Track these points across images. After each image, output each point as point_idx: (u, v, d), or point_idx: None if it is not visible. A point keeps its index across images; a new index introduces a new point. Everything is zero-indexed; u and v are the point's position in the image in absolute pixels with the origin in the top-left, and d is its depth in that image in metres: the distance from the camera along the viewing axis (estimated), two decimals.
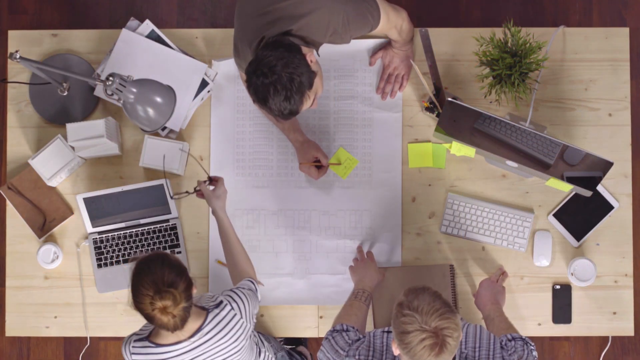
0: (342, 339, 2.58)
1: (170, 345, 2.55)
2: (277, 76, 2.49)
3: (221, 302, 2.60)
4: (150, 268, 2.44)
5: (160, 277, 2.42)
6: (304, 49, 2.58)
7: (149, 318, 2.44)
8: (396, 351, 2.33)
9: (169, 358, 2.56)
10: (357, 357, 2.51)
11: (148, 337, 2.58)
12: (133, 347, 2.58)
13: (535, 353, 2.56)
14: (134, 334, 2.62)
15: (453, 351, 2.28)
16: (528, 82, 2.91)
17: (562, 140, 2.83)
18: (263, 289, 3.04)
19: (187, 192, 2.91)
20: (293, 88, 2.50)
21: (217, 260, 3.03)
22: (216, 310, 2.58)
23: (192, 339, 2.55)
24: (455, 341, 2.27)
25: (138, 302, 2.43)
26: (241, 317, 2.61)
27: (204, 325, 2.56)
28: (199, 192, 2.85)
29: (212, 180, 2.85)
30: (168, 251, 2.88)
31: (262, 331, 3.03)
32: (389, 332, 2.55)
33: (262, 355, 2.82)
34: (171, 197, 2.99)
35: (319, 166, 3.00)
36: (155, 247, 3.04)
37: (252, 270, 2.77)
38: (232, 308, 2.60)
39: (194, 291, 2.50)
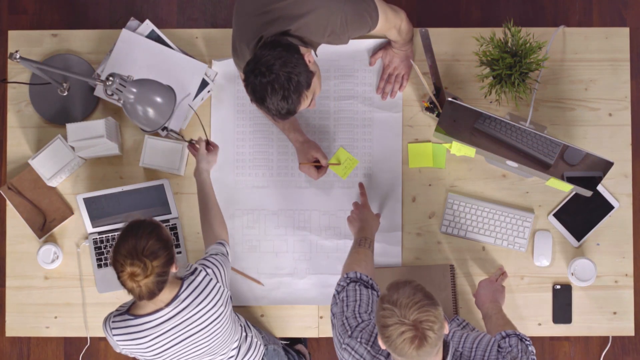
0: (352, 315, 2.56)
1: (149, 314, 2.58)
2: (274, 75, 2.48)
3: (195, 269, 2.64)
4: (137, 233, 2.47)
5: (142, 245, 2.45)
6: (302, 49, 2.58)
7: (121, 284, 2.48)
8: (382, 345, 2.33)
9: (149, 328, 2.59)
10: (359, 339, 2.51)
11: (127, 310, 2.62)
12: (113, 322, 2.61)
13: (531, 348, 2.55)
14: (115, 310, 2.65)
15: (435, 343, 2.27)
16: (528, 82, 2.91)
17: (562, 140, 2.83)
18: (263, 289, 3.04)
19: (182, 137, 2.93)
20: (291, 87, 2.50)
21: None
22: (191, 277, 2.63)
23: (170, 307, 2.58)
24: (436, 333, 2.26)
25: (114, 261, 2.47)
26: (217, 282, 2.65)
27: (180, 292, 2.59)
28: (192, 146, 2.91)
29: (209, 145, 2.91)
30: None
31: (262, 331, 3.03)
32: None
33: (249, 339, 2.84)
34: (165, 130, 2.95)
35: (319, 166, 3.00)
36: None
37: (225, 233, 2.81)
38: (207, 274, 2.64)
39: (174, 269, 2.53)
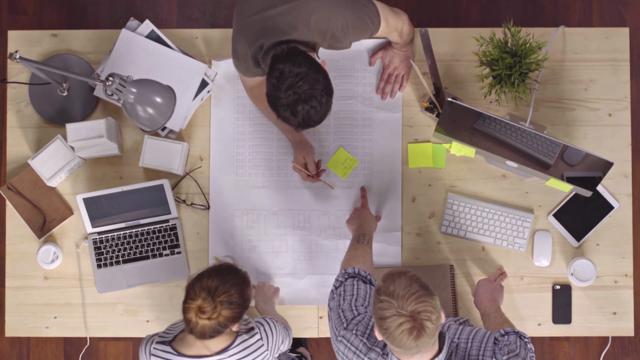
0: (349, 308, 2.57)
1: (192, 357, 2.54)
2: (317, 102, 2.53)
3: (252, 328, 2.60)
4: (226, 277, 2.45)
5: (223, 290, 2.43)
6: (312, 55, 2.60)
7: (183, 310, 2.44)
8: (379, 337, 2.34)
9: None
10: (354, 331, 2.51)
11: (171, 341, 2.57)
12: (154, 348, 2.56)
13: (530, 345, 2.55)
14: (157, 334, 2.60)
15: (433, 334, 2.28)
16: (528, 82, 2.91)
17: (562, 140, 2.83)
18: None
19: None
20: (324, 101, 2.55)
21: (215, 258, 3.03)
22: (245, 336, 2.59)
23: (215, 357, 2.55)
24: (434, 324, 2.27)
25: (190, 286, 2.44)
26: (266, 349, 2.61)
27: (230, 347, 2.56)
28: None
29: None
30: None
31: None
32: None
33: None
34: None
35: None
36: (155, 247, 3.03)
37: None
38: (261, 338, 2.60)
39: (234, 327, 2.51)
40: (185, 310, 2.45)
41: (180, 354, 2.55)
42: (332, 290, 2.63)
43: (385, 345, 2.47)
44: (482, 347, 2.48)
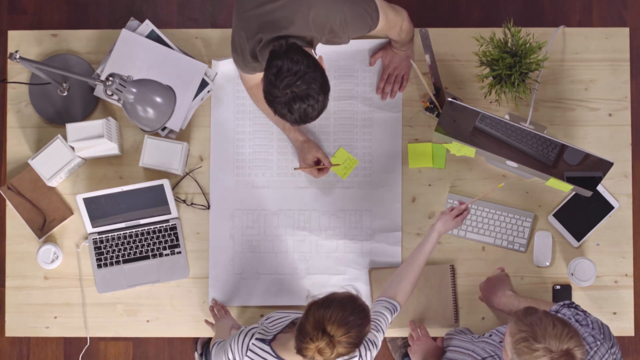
0: None
1: None
2: (313, 99, 2.52)
3: (355, 356, 2.54)
4: (347, 316, 2.35)
5: (344, 330, 2.34)
6: (310, 51, 2.60)
7: (301, 344, 2.35)
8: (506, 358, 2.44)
9: None
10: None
11: (271, 341, 2.52)
12: (253, 344, 2.50)
13: (579, 309, 2.67)
14: (254, 328, 2.53)
15: None
16: (528, 82, 2.91)
17: (562, 140, 2.83)
18: (262, 289, 3.04)
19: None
20: (321, 99, 2.54)
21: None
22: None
23: None
24: (582, 356, 2.35)
25: (312, 319, 2.34)
26: None
27: None
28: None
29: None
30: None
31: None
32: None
33: None
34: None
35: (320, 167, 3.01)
36: (155, 247, 3.03)
37: (405, 294, 2.73)
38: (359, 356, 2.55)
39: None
40: (302, 348, 2.35)
41: (278, 357, 2.49)
42: None
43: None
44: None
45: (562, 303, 2.68)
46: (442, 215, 2.83)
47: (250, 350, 2.51)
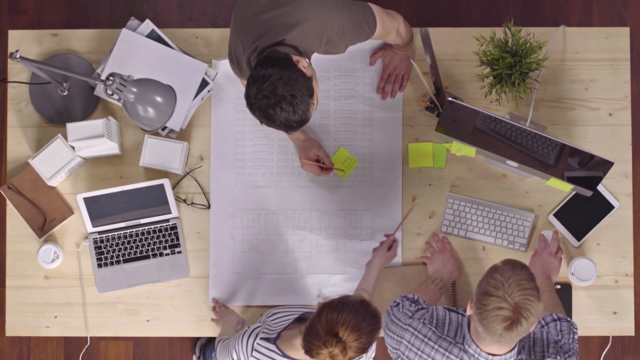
0: (409, 305, 2.59)
1: None
2: (279, 97, 2.45)
3: None
4: (359, 322, 2.33)
5: (356, 335, 2.32)
6: (295, 57, 2.53)
7: (311, 348, 2.33)
8: (469, 311, 2.35)
9: None
10: (422, 320, 2.52)
11: (276, 339, 2.51)
12: (258, 344, 2.49)
13: (576, 336, 2.61)
14: (257, 328, 2.52)
15: (522, 333, 2.29)
16: (528, 81, 2.91)
17: (563, 140, 2.83)
18: (263, 289, 3.04)
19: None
20: (296, 102, 2.47)
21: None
22: None
23: None
24: (529, 325, 2.28)
25: (325, 321, 2.32)
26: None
27: None
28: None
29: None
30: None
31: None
32: (450, 309, 2.57)
33: None
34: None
35: (322, 166, 3.01)
36: (155, 246, 3.03)
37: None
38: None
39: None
40: (313, 351, 2.34)
41: (285, 356, 2.48)
42: (387, 311, 2.64)
43: (456, 334, 2.47)
44: (545, 346, 2.51)
45: (569, 320, 2.64)
46: (375, 251, 2.97)
47: (256, 350, 2.51)
